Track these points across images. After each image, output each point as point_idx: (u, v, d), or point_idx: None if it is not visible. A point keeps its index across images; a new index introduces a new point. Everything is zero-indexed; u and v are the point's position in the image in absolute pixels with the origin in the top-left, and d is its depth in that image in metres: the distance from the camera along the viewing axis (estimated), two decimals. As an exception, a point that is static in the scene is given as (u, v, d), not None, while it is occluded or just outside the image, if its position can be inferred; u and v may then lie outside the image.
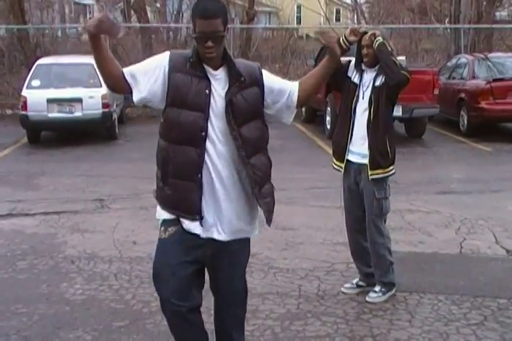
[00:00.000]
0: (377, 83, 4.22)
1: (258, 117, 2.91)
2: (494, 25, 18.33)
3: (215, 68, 2.83)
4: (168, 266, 2.91)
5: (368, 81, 4.26)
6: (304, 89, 3.00)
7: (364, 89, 4.26)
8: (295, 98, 2.98)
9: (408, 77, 4.17)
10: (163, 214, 2.96)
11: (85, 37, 22.56)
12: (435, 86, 11.03)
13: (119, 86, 2.87)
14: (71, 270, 4.95)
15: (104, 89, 10.99)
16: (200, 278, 3.04)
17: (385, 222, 4.39)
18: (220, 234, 2.90)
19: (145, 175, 8.56)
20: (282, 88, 2.98)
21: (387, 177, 4.30)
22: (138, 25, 17.22)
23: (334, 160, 4.46)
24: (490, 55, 13.10)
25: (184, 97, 2.78)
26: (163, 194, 2.92)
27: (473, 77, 12.08)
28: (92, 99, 10.80)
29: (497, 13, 22.48)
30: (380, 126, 4.20)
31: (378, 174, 4.23)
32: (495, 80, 11.42)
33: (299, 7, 39.39)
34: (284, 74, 16.28)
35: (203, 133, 2.79)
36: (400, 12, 21.95)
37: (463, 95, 11.86)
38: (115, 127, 11.56)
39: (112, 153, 10.31)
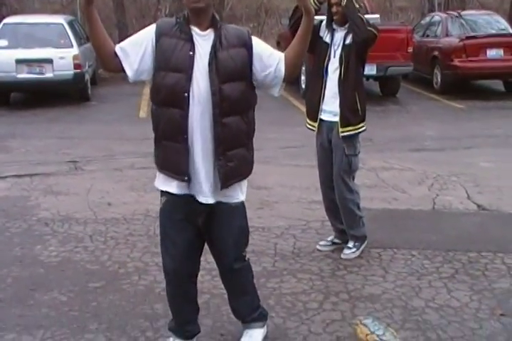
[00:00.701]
0: (348, 41, 4.21)
1: (244, 79, 2.85)
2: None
3: (204, 28, 2.80)
4: (168, 235, 3.02)
5: (338, 39, 4.25)
6: (290, 59, 2.90)
7: (335, 48, 4.25)
8: (283, 68, 2.89)
9: (375, 33, 4.17)
10: (159, 183, 3.00)
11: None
12: (409, 44, 10.99)
13: (111, 63, 2.84)
14: (45, 232, 4.91)
15: (75, 50, 10.80)
16: (200, 243, 3.08)
17: (353, 178, 4.43)
18: (204, 196, 2.90)
19: (119, 136, 8.54)
20: (271, 56, 2.90)
21: (358, 134, 4.32)
22: (108, -17, 16.83)
23: (308, 120, 4.46)
24: (463, 13, 13.07)
25: (168, 60, 2.77)
26: (157, 155, 2.97)
27: (447, 35, 12.06)
28: (63, 59, 10.59)
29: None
30: (350, 83, 4.21)
31: (349, 131, 4.25)
32: (468, 38, 11.42)
33: (272, -36, 38.68)
34: (259, 33, 16.12)
35: (186, 94, 2.77)
36: (374, -31, 21.72)
37: (436, 53, 11.85)
38: (88, 88, 11.39)
39: (84, 115, 10.17)
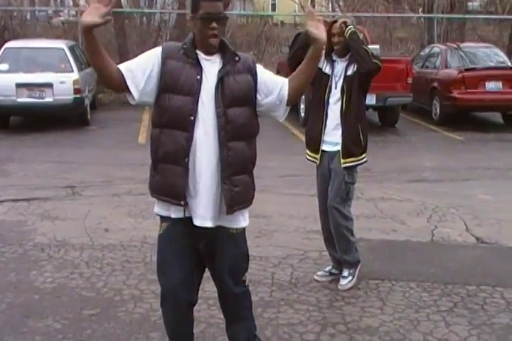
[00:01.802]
0: (349, 72, 4.23)
1: (248, 105, 2.90)
2: (467, 16, 18.48)
3: (211, 54, 2.86)
4: (167, 261, 2.98)
5: (339, 71, 4.26)
6: (294, 85, 2.95)
7: (336, 79, 4.27)
8: (286, 93, 2.94)
9: (379, 65, 4.21)
10: (157, 209, 3.00)
11: (55, 20, 22.24)
12: (409, 75, 11.07)
13: (115, 80, 2.81)
14: (41, 258, 4.87)
15: (75, 74, 10.85)
16: (200, 270, 3.08)
17: (349, 206, 4.44)
18: (203, 220, 2.88)
19: (117, 161, 8.53)
20: (274, 81, 2.96)
21: (359, 165, 4.33)
22: (111, 9, 16.99)
23: (308, 152, 4.46)
24: (462, 45, 13.20)
25: (175, 82, 2.80)
26: (153, 180, 2.94)
27: (446, 67, 12.17)
28: (64, 84, 10.62)
29: (469, 3, 22.64)
30: (352, 114, 4.22)
31: (351, 162, 4.27)
32: (467, 70, 11.51)
33: (273, -6, 39.25)
34: (259, 61, 16.22)
35: (192, 117, 2.79)
36: (374, 1, 21.98)
37: (435, 84, 11.94)
38: (87, 113, 11.41)
39: (83, 140, 10.18)
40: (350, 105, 4.21)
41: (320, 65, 4.30)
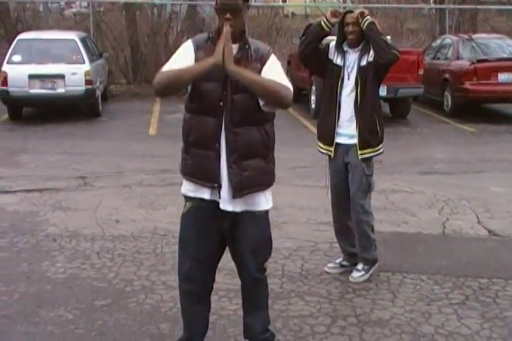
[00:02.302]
0: (363, 63, 4.17)
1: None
2: (479, 6, 18.30)
3: (232, 42, 2.89)
4: (189, 239, 3.05)
5: (352, 62, 4.20)
6: None
7: (349, 70, 4.21)
8: None
9: (398, 55, 4.17)
10: (183, 190, 3.08)
11: (67, 12, 22.21)
12: (420, 66, 11.00)
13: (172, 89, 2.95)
14: (53, 248, 4.90)
15: (87, 66, 10.87)
16: (220, 251, 3.13)
17: (370, 199, 4.39)
18: (223, 204, 2.96)
19: (128, 153, 8.54)
20: (266, 75, 2.98)
21: (376, 156, 4.31)
22: (122, 1, 16.91)
23: (321, 145, 4.41)
24: (474, 36, 13.09)
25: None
26: (186, 164, 3.04)
27: (458, 58, 12.07)
28: (75, 75, 10.65)
29: (482, -6, 22.44)
30: (368, 105, 4.18)
31: (369, 153, 4.24)
32: (479, 61, 11.42)
33: (284, -15, 39.06)
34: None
35: (221, 103, 2.90)
36: (385, -9, 21.87)
37: (447, 76, 11.85)
38: (98, 104, 11.43)
39: (95, 131, 10.20)
40: (365, 96, 4.16)
41: (330, 57, 4.26)
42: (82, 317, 3.79)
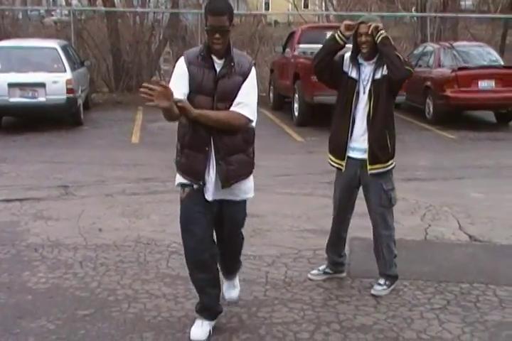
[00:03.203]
0: (378, 76, 4.05)
1: (232, 100, 3.41)
2: (459, 14, 18.51)
3: (220, 57, 3.42)
4: (190, 219, 3.54)
5: (367, 75, 4.08)
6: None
7: (364, 83, 4.08)
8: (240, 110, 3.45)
9: (412, 72, 4.05)
10: (179, 179, 3.58)
11: (48, 20, 22.12)
12: (402, 74, 11.07)
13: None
14: (34, 258, 4.86)
15: (68, 74, 10.82)
16: (213, 227, 3.64)
17: (392, 213, 4.32)
18: (207, 195, 3.51)
19: (111, 161, 8.51)
20: (242, 92, 3.44)
21: (389, 171, 4.19)
22: (104, 9, 16.88)
23: (332, 158, 4.29)
24: (455, 44, 13.24)
25: (199, 84, 3.39)
26: (180, 161, 3.56)
27: (439, 66, 12.20)
28: (56, 83, 10.58)
29: (462, 2, 22.73)
30: (379, 119, 4.06)
31: (378, 169, 4.13)
32: (460, 69, 11.55)
33: (267, -7, 39.24)
34: (253, 60, 16.20)
35: None
36: (367, 0, 21.99)
37: (429, 83, 11.97)
38: (80, 113, 11.38)
39: (76, 140, 10.16)
40: (377, 109, 4.04)
41: (345, 69, 4.15)
42: (65, 328, 3.76)
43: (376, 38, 3.99)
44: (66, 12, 19.85)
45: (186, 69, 3.40)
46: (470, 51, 12.69)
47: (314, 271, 4.58)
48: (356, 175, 4.22)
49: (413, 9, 20.04)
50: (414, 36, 17.91)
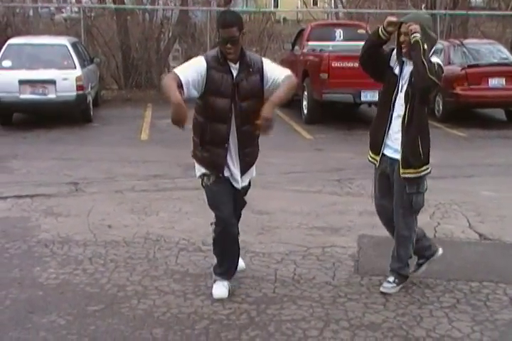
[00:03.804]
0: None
1: (256, 98, 3.85)
2: (470, 12, 18.42)
3: (235, 62, 3.84)
4: (218, 199, 4.04)
5: (406, 74, 4.00)
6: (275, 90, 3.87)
7: (403, 82, 4.02)
8: (279, 81, 3.87)
9: (436, 82, 3.87)
10: (201, 169, 4.02)
11: (58, 17, 22.18)
12: (411, 71, 11.03)
13: None
14: (44, 254, 4.89)
15: (78, 71, 10.86)
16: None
17: (416, 215, 4.25)
18: (237, 184, 4.05)
19: (120, 158, 8.54)
20: (275, 71, 3.92)
21: (420, 177, 4.13)
22: (113, 6, 16.91)
23: (370, 153, 4.27)
24: (465, 42, 13.16)
25: (218, 88, 3.79)
26: (200, 155, 3.99)
27: (449, 63, 12.12)
28: (66, 80, 10.63)
29: (472, 0, 22.58)
30: (413, 125, 3.99)
31: (410, 173, 4.07)
32: (470, 66, 11.49)
33: (276, -10, 39.19)
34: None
35: (230, 114, 3.85)
36: (376, -3, 21.95)
37: (438, 81, 11.89)
38: (90, 110, 11.41)
39: (86, 136, 10.19)
40: (412, 114, 3.96)
41: (392, 64, 4.10)
42: (75, 323, 3.79)
43: (412, 35, 3.87)
44: (76, 9, 19.87)
45: (205, 70, 3.77)
46: (480, 49, 12.62)
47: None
48: (387, 170, 4.18)
49: (423, 7, 19.96)
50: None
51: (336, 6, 23.12)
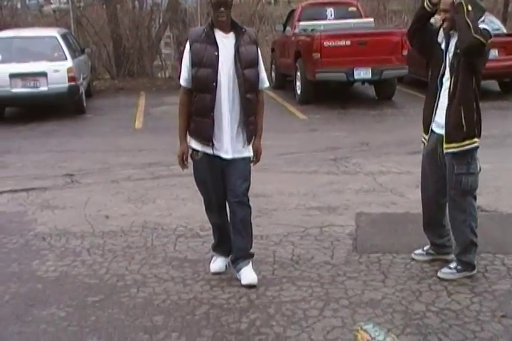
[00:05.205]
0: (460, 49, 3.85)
1: (255, 66, 3.99)
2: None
3: (227, 32, 3.92)
4: (204, 177, 4.12)
5: (452, 46, 3.91)
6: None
7: (450, 55, 3.92)
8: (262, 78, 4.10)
9: (482, 41, 3.72)
10: (194, 145, 4.07)
11: (46, 8, 22.01)
12: (404, 47, 10.96)
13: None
14: (42, 247, 4.88)
15: (69, 63, 10.80)
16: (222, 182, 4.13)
17: (475, 198, 4.09)
18: (226, 154, 3.99)
19: (115, 148, 8.52)
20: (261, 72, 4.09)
21: (465, 151, 3.95)
22: (101, -5, 16.81)
23: (422, 133, 4.19)
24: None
25: (200, 59, 3.88)
26: (190, 126, 4.05)
27: (441, 36, 12.04)
28: (58, 72, 10.55)
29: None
30: (457, 95, 3.88)
31: (453, 148, 3.94)
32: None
33: (265, -29, 38.77)
34: (256, 35, 16.02)
35: (214, 84, 3.88)
36: (366, -27, 21.75)
37: (431, 55, 11.82)
38: (82, 101, 11.35)
39: (80, 128, 10.16)
40: (457, 85, 3.87)
41: (439, 39, 4.02)
42: (75, 314, 3.79)
43: (451, 10, 3.80)
44: (65, 0, 19.75)
45: (189, 50, 3.91)
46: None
47: (418, 251, 4.38)
48: (436, 150, 4.06)
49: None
50: (415, 8, 17.68)
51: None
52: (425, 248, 4.40)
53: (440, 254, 4.33)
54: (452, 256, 4.21)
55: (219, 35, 3.91)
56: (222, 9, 3.86)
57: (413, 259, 4.40)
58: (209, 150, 4.01)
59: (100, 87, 14.64)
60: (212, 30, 3.90)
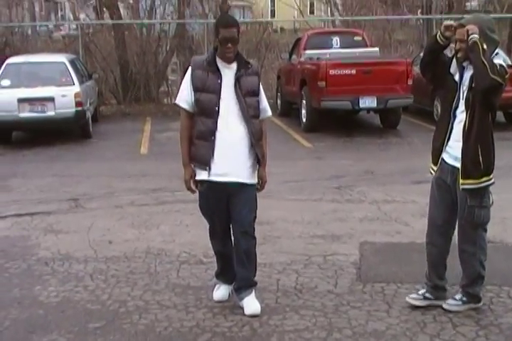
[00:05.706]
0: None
1: (256, 96, 4.07)
2: (465, 15, 18.39)
3: (230, 62, 3.99)
4: (210, 206, 4.13)
5: (466, 80, 3.84)
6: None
7: (464, 88, 3.86)
8: (268, 109, 4.23)
9: (500, 82, 3.67)
10: (197, 175, 4.05)
11: (56, 35, 22.29)
12: (409, 76, 11.05)
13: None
14: (45, 272, 4.86)
15: (76, 87, 10.89)
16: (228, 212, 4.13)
17: (485, 231, 4.02)
18: (224, 177, 3.97)
19: (120, 173, 8.53)
20: (263, 101, 4.18)
21: (481, 188, 3.90)
22: (111, 21, 16.97)
23: (431, 164, 4.12)
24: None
25: (203, 85, 3.95)
26: (191, 150, 4.06)
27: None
28: (65, 97, 10.64)
29: (467, 3, 22.63)
30: (473, 132, 3.80)
31: (470, 184, 3.86)
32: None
33: (272, 0, 39.35)
34: (259, 67, 16.19)
35: (216, 108, 3.94)
36: (372, 4, 21.96)
37: (436, 85, 11.87)
38: (89, 126, 11.41)
39: (86, 152, 10.20)
40: (473, 121, 3.79)
41: (452, 70, 3.96)
42: (76, 341, 3.76)
43: (467, 40, 3.75)
44: (74, 26, 20.02)
45: (190, 76, 4.00)
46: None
47: (414, 295, 4.15)
48: (447, 179, 3.98)
49: (419, 11, 20.02)
50: (421, 38, 17.87)
51: (332, 14, 23.20)
52: (420, 292, 4.17)
53: (438, 299, 4.11)
54: (445, 303, 4.08)
55: (221, 64, 3.98)
56: (230, 45, 3.92)
57: (410, 305, 4.12)
58: (204, 176, 4.00)
59: (107, 112, 14.73)
60: (215, 59, 3.98)
